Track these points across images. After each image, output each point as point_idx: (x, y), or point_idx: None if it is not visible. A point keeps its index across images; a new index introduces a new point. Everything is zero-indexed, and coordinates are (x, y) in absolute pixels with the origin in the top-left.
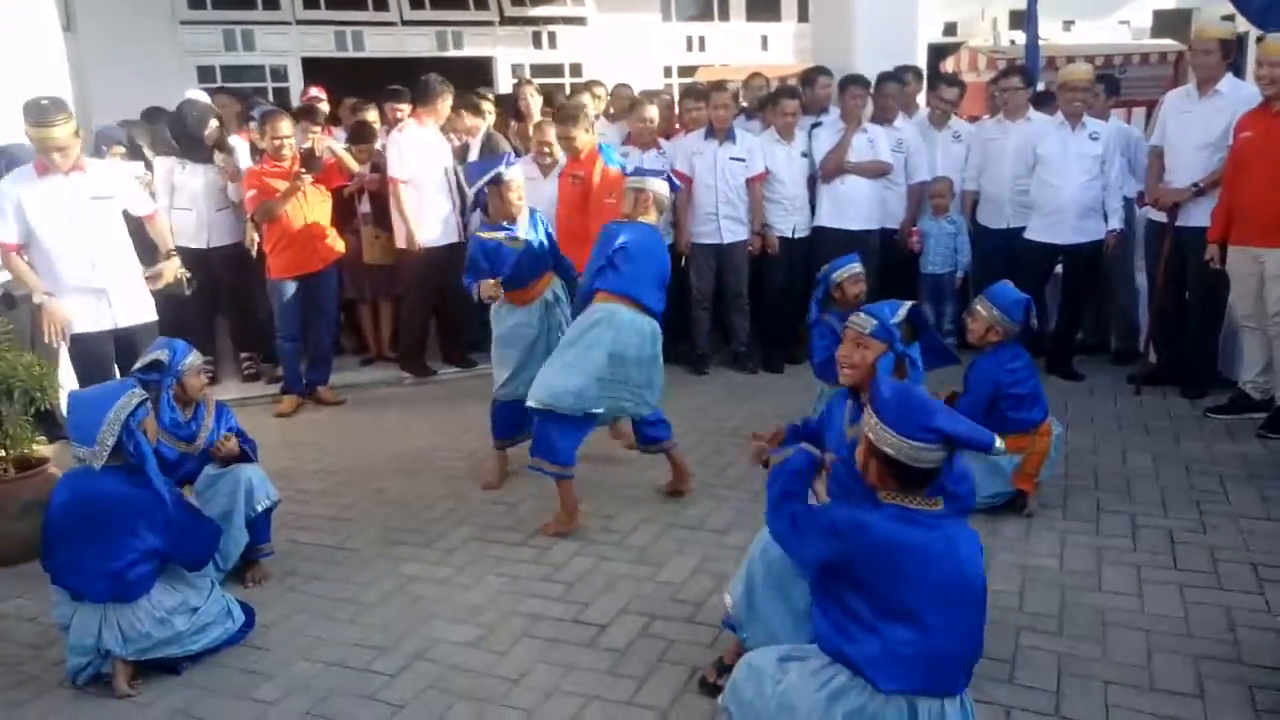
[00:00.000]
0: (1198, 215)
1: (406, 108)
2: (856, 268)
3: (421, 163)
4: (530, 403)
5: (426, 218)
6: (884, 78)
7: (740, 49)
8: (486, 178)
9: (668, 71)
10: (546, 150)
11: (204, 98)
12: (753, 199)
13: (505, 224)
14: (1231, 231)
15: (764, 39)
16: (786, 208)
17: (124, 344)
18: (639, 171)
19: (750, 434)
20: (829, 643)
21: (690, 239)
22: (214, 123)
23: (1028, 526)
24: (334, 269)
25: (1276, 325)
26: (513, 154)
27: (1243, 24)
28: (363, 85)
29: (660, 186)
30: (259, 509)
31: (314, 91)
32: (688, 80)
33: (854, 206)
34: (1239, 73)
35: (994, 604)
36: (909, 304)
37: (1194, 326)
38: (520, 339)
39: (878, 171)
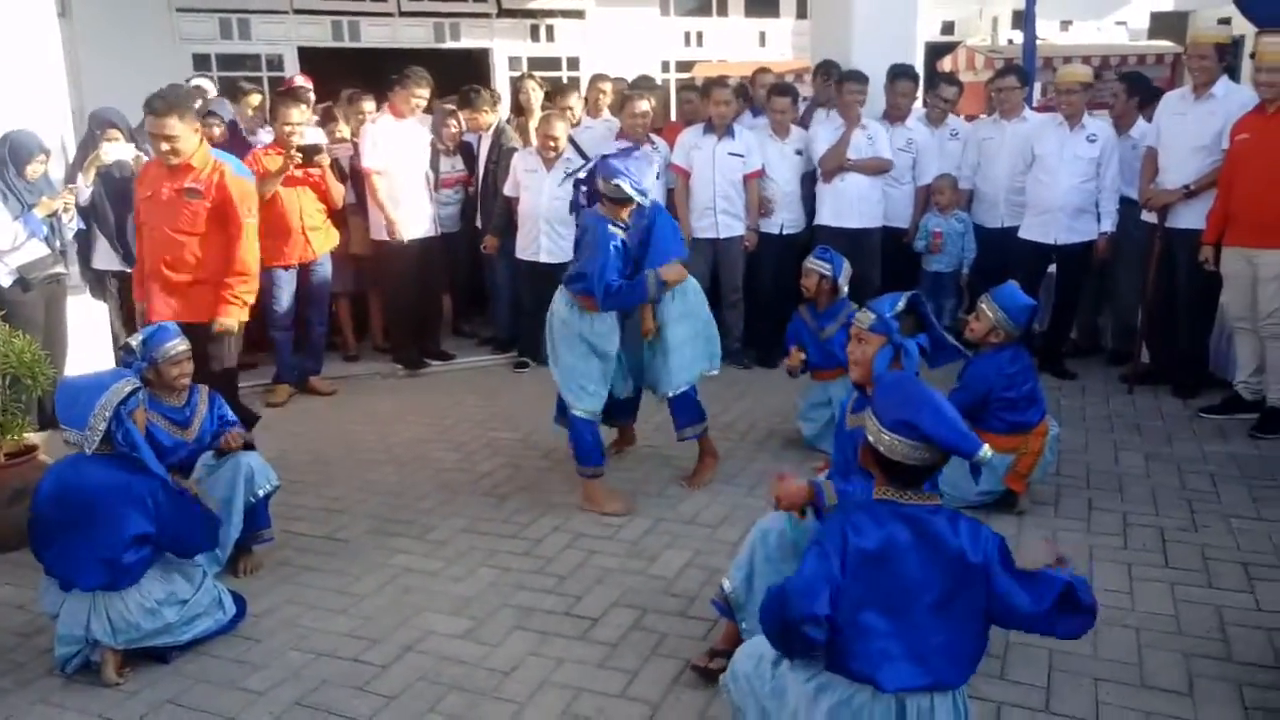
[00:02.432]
0: (1188, 217)
1: (371, 104)
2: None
3: (396, 154)
4: (699, 373)
5: (404, 209)
6: (898, 73)
7: (738, 44)
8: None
9: (665, 66)
10: (552, 144)
11: (210, 86)
12: (749, 195)
13: (620, 223)
14: (1226, 232)
15: (762, 35)
16: (776, 205)
17: None
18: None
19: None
20: (830, 658)
21: (690, 233)
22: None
23: (1019, 524)
24: (328, 259)
25: (1269, 327)
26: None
27: (1239, 26)
28: (359, 76)
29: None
30: (260, 494)
31: (299, 80)
32: (685, 75)
33: (853, 205)
34: (1234, 75)
35: None
36: (908, 294)
37: (1185, 327)
38: (613, 346)
39: (877, 169)
